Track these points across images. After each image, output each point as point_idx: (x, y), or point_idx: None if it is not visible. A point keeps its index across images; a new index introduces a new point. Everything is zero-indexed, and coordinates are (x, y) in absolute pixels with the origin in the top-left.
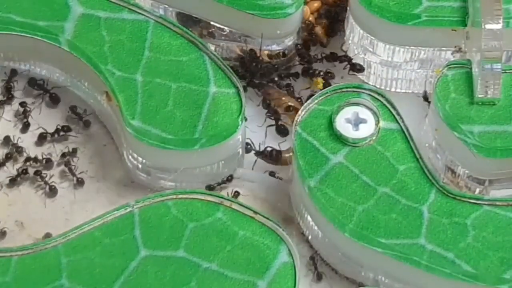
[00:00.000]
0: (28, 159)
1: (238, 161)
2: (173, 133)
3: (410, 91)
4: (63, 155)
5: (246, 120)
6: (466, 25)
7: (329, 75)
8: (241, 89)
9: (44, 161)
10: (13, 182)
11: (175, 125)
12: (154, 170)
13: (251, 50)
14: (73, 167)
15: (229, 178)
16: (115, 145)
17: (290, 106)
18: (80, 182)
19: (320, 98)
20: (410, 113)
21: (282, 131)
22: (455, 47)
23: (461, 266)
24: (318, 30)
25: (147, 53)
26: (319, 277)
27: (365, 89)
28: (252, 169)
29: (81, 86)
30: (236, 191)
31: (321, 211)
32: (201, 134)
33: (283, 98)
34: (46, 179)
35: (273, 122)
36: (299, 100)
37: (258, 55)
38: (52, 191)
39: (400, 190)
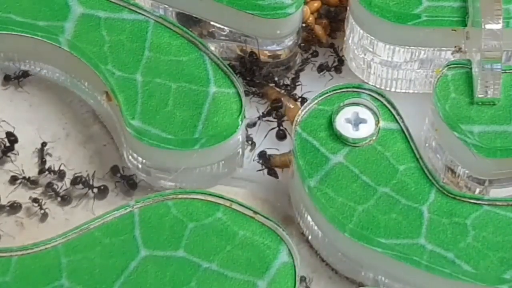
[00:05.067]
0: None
1: (238, 161)
2: (173, 133)
3: (410, 91)
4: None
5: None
6: (466, 25)
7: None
8: (241, 89)
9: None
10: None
11: (175, 125)
12: (154, 170)
13: (251, 52)
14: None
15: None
16: (115, 145)
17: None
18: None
19: (320, 98)
20: (410, 113)
21: (281, 136)
22: (455, 47)
23: (461, 266)
24: (318, 30)
25: (147, 53)
26: None
27: (365, 89)
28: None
29: (81, 86)
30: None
31: (321, 211)
32: (201, 134)
33: (282, 99)
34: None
35: (275, 125)
36: (298, 99)
37: (258, 57)
38: (65, 201)
39: (400, 190)
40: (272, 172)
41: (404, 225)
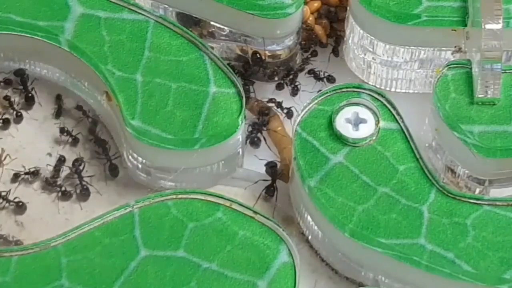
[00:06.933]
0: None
1: (238, 161)
2: (173, 133)
3: (410, 91)
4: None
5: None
6: (466, 25)
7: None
8: (241, 89)
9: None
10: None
11: (175, 125)
12: (154, 170)
13: (255, 51)
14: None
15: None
16: (115, 145)
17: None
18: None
19: (320, 98)
20: (410, 113)
21: (255, 143)
22: (455, 47)
23: (461, 266)
24: (318, 30)
25: (147, 53)
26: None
27: (365, 89)
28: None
29: (81, 86)
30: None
31: (321, 211)
32: (201, 134)
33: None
34: (59, 183)
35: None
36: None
37: (261, 56)
38: (64, 196)
39: (400, 190)
40: (270, 190)
41: (404, 225)
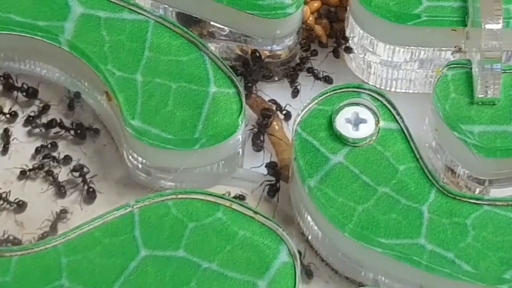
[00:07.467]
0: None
1: (238, 161)
2: (173, 133)
3: (410, 91)
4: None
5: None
6: (466, 25)
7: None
8: (241, 89)
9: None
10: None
11: (175, 125)
12: (154, 170)
13: (254, 50)
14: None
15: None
16: (115, 145)
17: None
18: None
19: (320, 98)
20: (410, 113)
21: (257, 145)
22: (455, 47)
23: (461, 266)
24: (318, 30)
25: (147, 53)
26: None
27: (365, 89)
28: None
29: (81, 86)
30: (241, 195)
31: (321, 211)
32: (201, 134)
33: (272, 110)
34: (57, 179)
35: (256, 131)
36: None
37: (262, 56)
38: (61, 192)
39: (400, 190)
40: (273, 190)
41: (404, 225)
